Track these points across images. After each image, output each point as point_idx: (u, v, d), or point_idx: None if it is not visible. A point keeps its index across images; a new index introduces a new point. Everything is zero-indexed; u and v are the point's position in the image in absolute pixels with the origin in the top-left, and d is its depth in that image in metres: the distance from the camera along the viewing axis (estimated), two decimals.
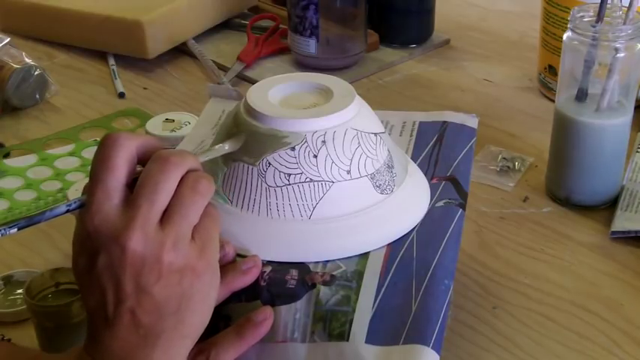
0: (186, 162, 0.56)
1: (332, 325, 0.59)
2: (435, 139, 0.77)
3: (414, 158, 0.75)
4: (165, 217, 0.55)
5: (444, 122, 0.79)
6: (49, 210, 0.56)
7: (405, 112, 0.82)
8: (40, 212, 0.56)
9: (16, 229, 0.55)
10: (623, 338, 0.74)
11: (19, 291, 0.78)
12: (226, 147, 0.64)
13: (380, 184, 0.66)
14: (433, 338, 0.59)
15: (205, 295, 0.57)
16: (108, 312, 0.54)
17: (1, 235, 0.54)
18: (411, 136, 0.78)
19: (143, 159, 0.56)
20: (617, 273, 0.82)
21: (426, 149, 0.76)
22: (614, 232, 0.86)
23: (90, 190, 0.54)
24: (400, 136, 0.78)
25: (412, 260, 0.63)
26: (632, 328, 0.75)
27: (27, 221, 0.55)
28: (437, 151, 0.76)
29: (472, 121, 0.79)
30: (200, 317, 0.57)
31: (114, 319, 0.54)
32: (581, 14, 0.86)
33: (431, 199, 0.70)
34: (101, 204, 0.54)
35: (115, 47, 1.25)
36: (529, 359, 0.73)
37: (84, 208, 0.55)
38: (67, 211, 0.56)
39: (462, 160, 0.75)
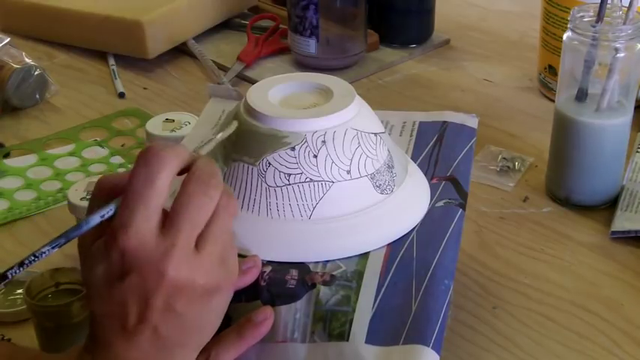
0: (222, 183, 0.56)
1: (332, 325, 0.59)
2: (435, 139, 0.77)
3: (414, 158, 0.75)
4: (202, 239, 0.54)
5: (444, 122, 0.79)
6: (85, 223, 0.54)
7: (405, 112, 0.82)
8: (77, 226, 0.54)
9: (57, 249, 0.54)
10: (623, 338, 0.74)
11: (19, 291, 0.78)
12: (218, 136, 0.64)
13: (380, 184, 0.66)
14: (433, 338, 0.59)
15: (224, 308, 0.58)
16: (128, 325, 0.53)
17: (40, 258, 0.54)
18: (411, 136, 0.78)
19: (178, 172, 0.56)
20: (617, 273, 0.82)
21: (426, 149, 0.76)
22: (614, 232, 0.86)
23: (130, 207, 0.53)
24: (400, 136, 0.78)
25: (412, 260, 0.63)
26: (632, 328, 0.75)
27: (65, 238, 0.54)
28: (437, 151, 0.76)
29: (472, 121, 0.79)
30: (215, 326, 0.58)
31: (134, 331, 0.53)
32: (581, 14, 0.86)
33: (431, 199, 0.70)
34: (141, 226, 0.52)
35: (115, 47, 1.25)
36: (529, 359, 0.73)
37: (118, 223, 0.53)
38: (101, 221, 0.55)
39: (462, 160, 0.75)
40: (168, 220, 0.54)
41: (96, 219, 0.54)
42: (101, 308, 0.54)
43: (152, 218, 0.53)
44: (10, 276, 0.54)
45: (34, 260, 0.54)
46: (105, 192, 0.56)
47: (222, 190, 0.56)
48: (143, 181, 0.53)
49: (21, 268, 0.54)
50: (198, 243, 0.54)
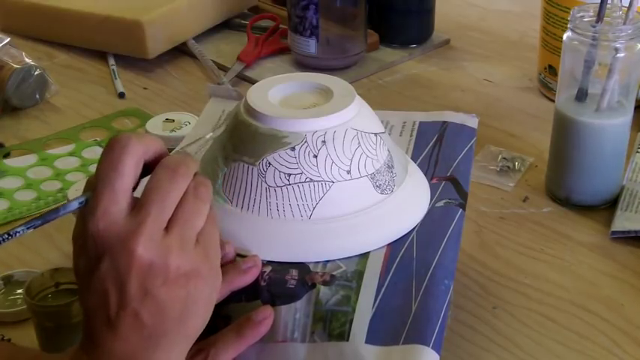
0: (191, 171, 0.57)
1: (332, 325, 0.59)
2: (435, 139, 0.77)
3: (414, 158, 0.75)
4: (171, 223, 0.55)
5: (444, 122, 0.79)
6: (63, 207, 0.56)
7: (405, 112, 0.82)
8: (55, 210, 0.56)
9: (32, 229, 0.55)
10: (623, 338, 0.74)
11: (19, 291, 0.78)
12: (207, 136, 0.65)
13: (380, 184, 0.66)
14: (433, 338, 0.59)
15: (208, 297, 0.57)
16: (110, 314, 0.54)
17: (14, 237, 0.55)
18: (410, 136, 0.78)
19: (148, 162, 0.57)
20: (617, 273, 0.82)
21: (426, 149, 0.76)
22: (614, 232, 0.86)
23: (97, 192, 0.54)
24: (400, 136, 0.78)
25: (412, 260, 0.63)
26: (632, 328, 0.75)
27: (42, 220, 0.55)
28: (437, 151, 0.76)
29: (472, 121, 0.79)
30: (202, 318, 0.57)
31: (116, 320, 0.54)
32: (581, 14, 0.86)
33: (431, 199, 0.70)
34: (108, 208, 0.54)
35: (115, 47, 1.25)
36: (529, 359, 0.73)
37: (88, 209, 0.54)
38: (79, 207, 0.56)
39: (462, 160, 0.75)
40: (137, 204, 0.55)
41: (74, 205, 0.56)
42: (86, 301, 0.55)
43: (119, 200, 0.54)
44: None
45: (7, 238, 0.55)
46: (91, 187, 0.57)
47: (190, 177, 0.57)
48: (107, 166, 0.55)
49: None
50: (168, 226, 0.55)
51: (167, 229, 0.55)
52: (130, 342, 0.54)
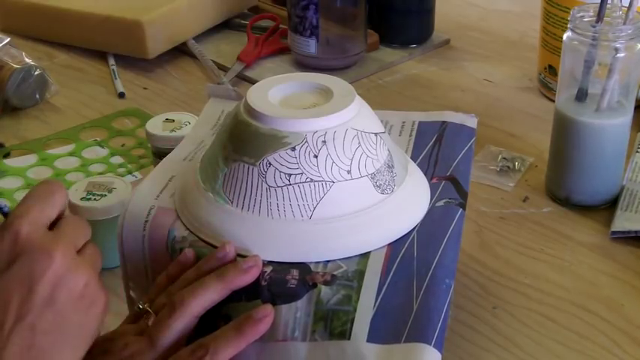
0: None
1: (333, 324, 0.59)
2: (434, 139, 0.77)
3: (413, 158, 0.75)
4: (81, 253, 0.58)
5: (444, 122, 0.79)
6: None
7: (404, 112, 0.82)
8: None
9: None
10: (623, 338, 0.74)
11: None
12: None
13: (380, 184, 0.66)
14: (435, 337, 0.59)
15: (95, 327, 0.57)
16: (4, 328, 0.53)
17: None
18: (410, 136, 0.78)
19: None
20: (617, 273, 0.82)
21: (426, 149, 0.76)
22: (614, 232, 0.86)
23: (27, 202, 0.57)
24: (399, 135, 0.78)
25: (413, 260, 0.63)
26: (632, 328, 0.75)
27: None
28: (436, 151, 0.76)
29: (471, 121, 0.80)
30: (87, 344, 0.57)
31: (9, 336, 0.53)
32: (581, 14, 0.86)
33: (431, 199, 0.70)
34: (37, 217, 0.56)
35: (115, 47, 1.25)
36: (529, 359, 0.73)
37: (14, 213, 0.56)
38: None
39: (462, 159, 0.75)
40: (54, 228, 0.58)
41: None
42: None
43: (45, 218, 0.57)
44: None
45: None
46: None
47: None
48: (44, 190, 0.58)
49: None
50: (79, 252, 0.58)
51: (78, 252, 0.57)
52: (16, 355, 0.53)
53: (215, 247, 0.64)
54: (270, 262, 0.63)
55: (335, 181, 0.64)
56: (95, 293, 0.57)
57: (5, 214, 0.61)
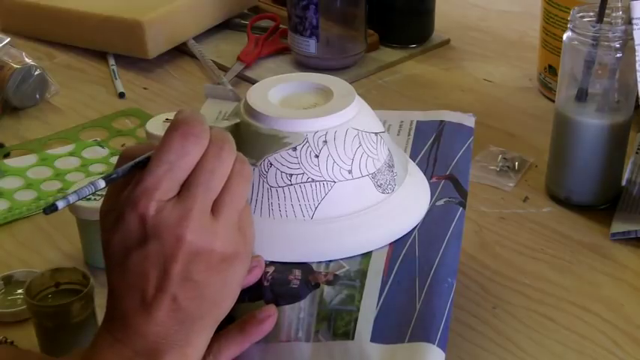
0: (234, 149, 0.57)
1: (336, 324, 0.59)
2: (432, 138, 0.77)
3: (412, 157, 0.75)
4: (217, 205, 0.55)
5: (442, 121, 0.79)
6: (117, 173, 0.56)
7: (403, 112, 0.82)
8: (87, 185, 0.55)
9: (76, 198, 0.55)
10: (623, 338, 0.74)
11: (19, 291, 0.78)
12: (222, 124, 0.65)
13: (381, 184, 0.66)
14: (438, 336, 0.59)
15: (241, 279, 0.57)
16: (147, 295, 0.53)
17: (62, 207, 0.54)
18: (408, 135, 0.78)
19: None
20: (617, 273, 0.82)
21: (424, 148, 0.76)
22: (614, 234, 0.86)
23: (157, 174, 0.54)
24: (398, 135, 0.78)
25: (415, 259, 0.63)
26: (632, 328, 0.75)
27: (76, 195, 0.55)
28: (435, 150, 0.76)
29: (469, 120, 0.80)
30: (233, 300, 0.57)
31: (153, 302, 0.53)
32: (581, 14, 0.86)
33: (431, 198, 0.70)
34: (164, 194, 0.54)
35: (115, 47, 1.25)
36: (529, 359, 0.73)
37: (140, 189, 0.53)
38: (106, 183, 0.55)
39: (461, 158, 0.75)
40: (184, 186, 0.54)
41: (125, 169, 0.56)
42: (120, 280, 0.54)
43: (175, 189, 0.54)
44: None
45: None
46: (126, 162, 0.57)
47: (235, 156, 0.57)
48: (177, 153, 0.54)
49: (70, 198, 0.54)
50: (214, 209, 0.55)
51: (213, 211, 0.55)
52: (163, 325, 0.54)
53: None
54: (273, 263, 0.63)
55: (336, 180, 0.64)
56: (235, 248, 0.55)
57: (144, 164, 0.55)
